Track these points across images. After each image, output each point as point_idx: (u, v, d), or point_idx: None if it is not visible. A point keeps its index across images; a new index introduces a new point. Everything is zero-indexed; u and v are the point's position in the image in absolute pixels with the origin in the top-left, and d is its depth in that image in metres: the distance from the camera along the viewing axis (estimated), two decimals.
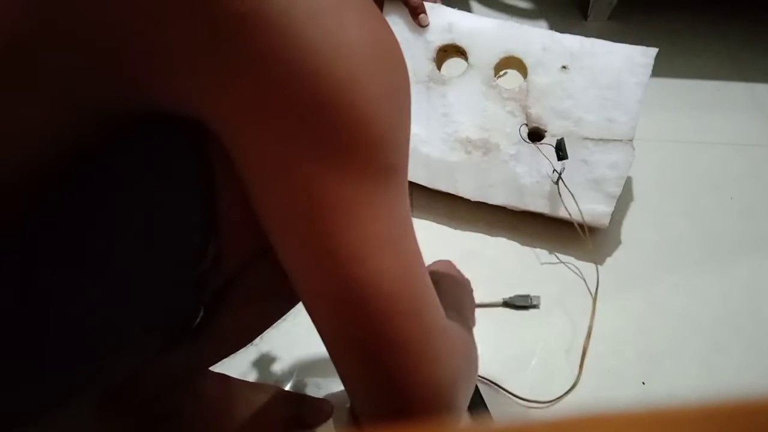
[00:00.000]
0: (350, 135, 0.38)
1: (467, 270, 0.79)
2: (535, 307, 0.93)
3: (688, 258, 1.01)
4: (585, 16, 1.54)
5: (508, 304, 0.92)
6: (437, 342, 0.41)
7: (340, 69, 0.38)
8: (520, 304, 0.93)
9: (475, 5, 1.60)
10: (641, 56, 0.96)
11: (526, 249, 1.01)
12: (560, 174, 0.94)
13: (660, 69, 1.39)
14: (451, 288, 0.69)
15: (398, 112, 0.42)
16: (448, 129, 1.00)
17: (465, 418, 0.78)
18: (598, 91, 0.96)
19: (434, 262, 0.78)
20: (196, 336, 0.53)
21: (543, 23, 1.54)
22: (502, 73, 1.01)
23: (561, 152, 0.93)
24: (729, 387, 0.84)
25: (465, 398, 0.46)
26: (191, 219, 0.43)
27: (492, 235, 1.02)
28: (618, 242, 1.02)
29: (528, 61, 0.98)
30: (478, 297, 0.80)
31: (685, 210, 1.08)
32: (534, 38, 0.99)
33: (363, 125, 0.39)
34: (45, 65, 0.38)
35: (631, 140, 0.95)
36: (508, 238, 1.01)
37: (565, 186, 0.95)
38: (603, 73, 0.96)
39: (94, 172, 0.41)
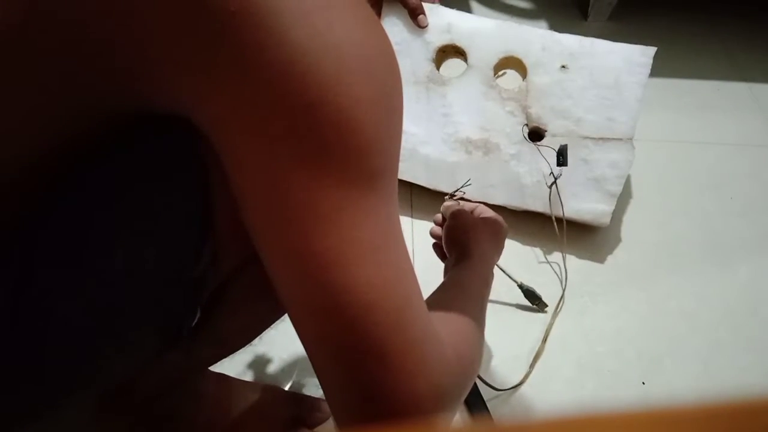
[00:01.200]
0: (336, 138, 0.38)
1: None
2: (539, 310, 0.93)
3: (688, 258, 1.01)
4: (585, 16, 1.54)
5: (522, 287, 0.92)
6: (420, 354, 0.40)
7: (327, 70, 0.37)
8: (531, 299, 0.92)
9: (475, 5, 1.60)
10: (640, 56, 0.96)
11: (527, 248, 1.01)
12: (556, 179, 0.95)
13: (660, 69, 1.39)
14: (483, 253, 0.67)
15: (388, 116, 0.41)
16: (448, 129, 1.00)
17: (465, 418, 0.78)
18: (597, 91, 0.97)
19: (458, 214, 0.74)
20: (195, 336, 0.53)
21: (543, 23, 1.54)
22: (501, 73, 1.02)
23: (561, 157, 0.93)
24: (729, 387, 0.84)
25: (455, 405, 0.45)
26: (189, 219, 0.43)
27: None
28: (618, 242, 1.02)
29: (527, 61, 0.99)
30: None
31: (685, 210, 1.08)
32: (533, 38, 0.99)
33: (349, 128, 0.38)
34: (44, 56, 0.38)
35: (631, 139, 0.96)
36: (508, 238, 1.01)
37: (558, 193, 0.95)
38: (602, 73, 0.97)
39: (92, 172, 0.41)
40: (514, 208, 0.99)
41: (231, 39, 0.37)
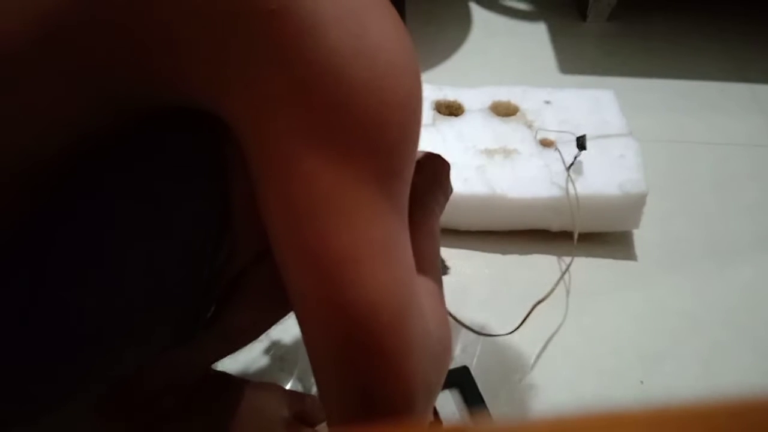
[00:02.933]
0: (362, 137, 0.39)
1: None
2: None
3: (688, 258, 1.01)
4: (584, 17, 1.54)
5: None
6: (419, 354, 0.41)
7: (359, 72, 0.38)
8: None
9: (474, 6, 1.60)
10: (602, 94, 1.15)
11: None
12: (574, 160, 1.00)
13: (660, 69, 1.40)
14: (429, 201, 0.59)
15: (411, 121, 0.42)
16: (466, 144, 1.06)
17: (464, 417, 0.78)
18: (583, 108, 1.11)
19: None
20: (205, 332, 0.53)
21: (542, 24, 1.54)
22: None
23: (580, 139, 1.00)
24: (729, 387, 0.84)
25: (435, 400, 0.46)
26: (206, 217, 0.43)
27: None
28: (618, 241, 1.02)
29: (515, 100, 1.13)
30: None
31: (686, 210, 1.08)
32: (514, 89, 1.15)
33: (376, 129, 0.39)
34: (72, 49, 0.38)
35: (629, 133, 1.06)
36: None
37: (571, 178, 0.99)
38: (580, 101, 1.13)
39: (110, 170, 0.42)
40: (546, 199, 0.99)
41: (268, 37, 0.38)
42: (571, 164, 1.00)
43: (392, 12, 0.42)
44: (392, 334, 0.39)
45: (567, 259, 0.99)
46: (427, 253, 0.55)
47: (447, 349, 0.49)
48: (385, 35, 0.41)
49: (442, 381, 0.46)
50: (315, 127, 0.38)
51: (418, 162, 0.62)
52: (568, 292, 0.94)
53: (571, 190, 0.97)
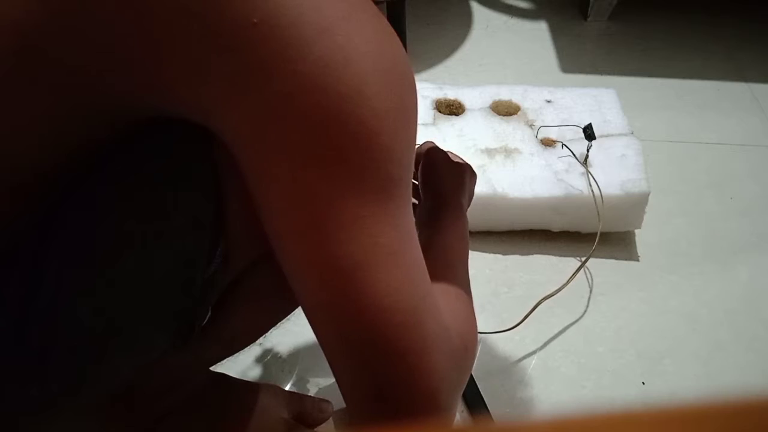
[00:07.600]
0: (356, 149, 0.39)
1: None
2: None
3: (688, 258, 1.01)
4: (585, 16, 1.54)
5: None
6: (435, 353, 0.41)
7: (348, 83, 0.38)
8: None
9: (474, 5, 1.60)
10: (603, 93, 1.15)
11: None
12: (587, 153, 1.00)
13: (660, 69, 1.40)
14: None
15: (404, 126, 0.42)
16: (467, 143, 1.06)
17: (465, 418, 0.78)
18: (584, 107, 1.12)
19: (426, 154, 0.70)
20: (203, 336, 0.53)
21: (543, 23, 1.54)
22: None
23: (588, 131, 1.00)
24: (729, 387, 0.84)
25: (462, 390, 0.46)
26: (202, 221, 0.43)
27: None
28: (618, 242, 1.02)
29: (516, 99, 1.14)
30: None
31: (685, 210, 1.08)
32: (515, 87, 1.16)
33: (368, 139, 0.39)
34: (56, 64, 0.38)
35: (632, 132, 1.07)
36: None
37: (588, 172, 0.99)
38: (581, 99, 1.14)
39: (106, 174, 0.41)
40: (556, 197, 0.99)
41: (253, 50, 0.37)
42: (586, 157, 1.00)
43: (377, 16, 0.42)
44: (406, 335, 0.40)
45: (568, 260, 0.99)
46: (453, 254, 0.57)
47: (469, 346, 0.48)
48: (372, 41, 0.40)
49: (466, 378, 0.46)
50: (306, 140, 0.38)
51: (442, 167, 0.68)
52: (569, 292, 0.94)
53: (589, 185, 0.97)
